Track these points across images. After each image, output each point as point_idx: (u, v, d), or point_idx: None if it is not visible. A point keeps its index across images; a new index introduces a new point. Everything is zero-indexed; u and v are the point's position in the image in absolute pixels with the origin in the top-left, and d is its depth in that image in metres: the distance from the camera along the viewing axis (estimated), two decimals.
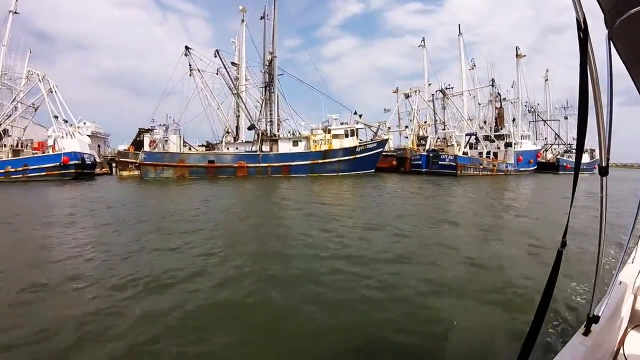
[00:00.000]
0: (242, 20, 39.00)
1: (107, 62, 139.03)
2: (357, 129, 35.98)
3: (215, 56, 37.03)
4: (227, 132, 36.23)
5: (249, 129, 34.29)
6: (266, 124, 34.22)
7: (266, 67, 34.69)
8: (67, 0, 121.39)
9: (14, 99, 35.57)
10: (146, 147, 30.97)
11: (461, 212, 14.04)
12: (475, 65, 48.73)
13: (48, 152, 31.68)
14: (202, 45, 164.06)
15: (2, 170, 31.23)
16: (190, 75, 35.83)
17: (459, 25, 47.63)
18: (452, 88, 47.56)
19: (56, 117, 31.83)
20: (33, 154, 34.19)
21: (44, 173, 30.78)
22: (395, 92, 55.14)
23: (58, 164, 30.49)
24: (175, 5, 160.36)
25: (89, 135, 41.31)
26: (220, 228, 10.28)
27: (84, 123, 33.44)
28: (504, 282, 5.77)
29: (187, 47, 35.24)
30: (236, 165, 31.79)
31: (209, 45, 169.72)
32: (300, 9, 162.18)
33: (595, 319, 2.10)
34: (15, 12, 38.35)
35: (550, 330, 4.13)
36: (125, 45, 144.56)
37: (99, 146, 39.97)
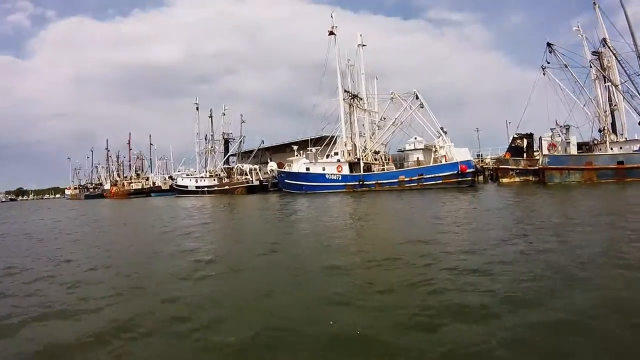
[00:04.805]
0: (594, 3, 35.91)
1: (401, 83, 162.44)
2: None
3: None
4: (600, 130, 33.94)
5: None
6: None
7: None
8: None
9: (380, 118, 42.26)
10: (544, 151, 31.26)
11: None
12: None
13: (439, 162, 35.76)
14: (482, 48, 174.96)
15: (396, 180, 37.04)
16: (544, 74, 35.17)
17: None
18: None
19: (442, 128, 35.83)
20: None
21: (440, 181, 34.81)
22: None
23: (456, 172, 33.92)
24: (447, 17, 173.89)
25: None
26: None
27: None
28: None
29: (549, 44, 34.51)
30: None
31: (491, 46, 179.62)
32: None
33: None
34: (363, 45, 45.33)
35: None
36: (415, 66, 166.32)
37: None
